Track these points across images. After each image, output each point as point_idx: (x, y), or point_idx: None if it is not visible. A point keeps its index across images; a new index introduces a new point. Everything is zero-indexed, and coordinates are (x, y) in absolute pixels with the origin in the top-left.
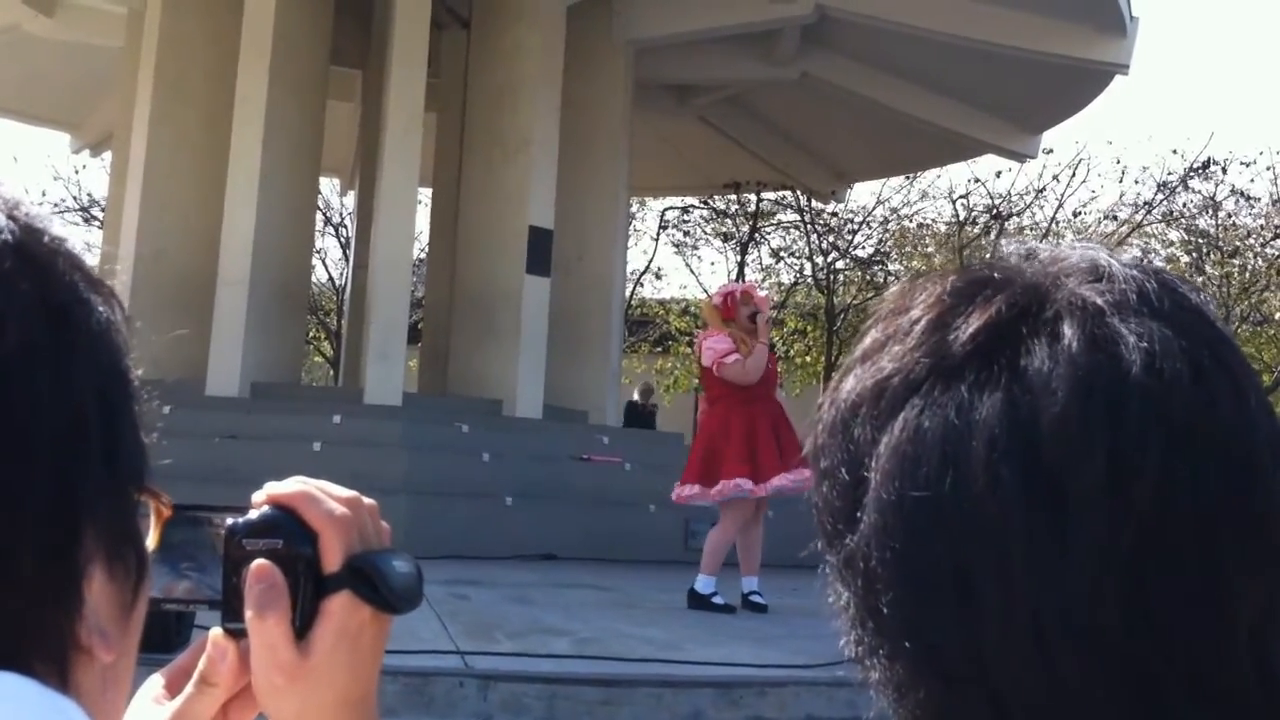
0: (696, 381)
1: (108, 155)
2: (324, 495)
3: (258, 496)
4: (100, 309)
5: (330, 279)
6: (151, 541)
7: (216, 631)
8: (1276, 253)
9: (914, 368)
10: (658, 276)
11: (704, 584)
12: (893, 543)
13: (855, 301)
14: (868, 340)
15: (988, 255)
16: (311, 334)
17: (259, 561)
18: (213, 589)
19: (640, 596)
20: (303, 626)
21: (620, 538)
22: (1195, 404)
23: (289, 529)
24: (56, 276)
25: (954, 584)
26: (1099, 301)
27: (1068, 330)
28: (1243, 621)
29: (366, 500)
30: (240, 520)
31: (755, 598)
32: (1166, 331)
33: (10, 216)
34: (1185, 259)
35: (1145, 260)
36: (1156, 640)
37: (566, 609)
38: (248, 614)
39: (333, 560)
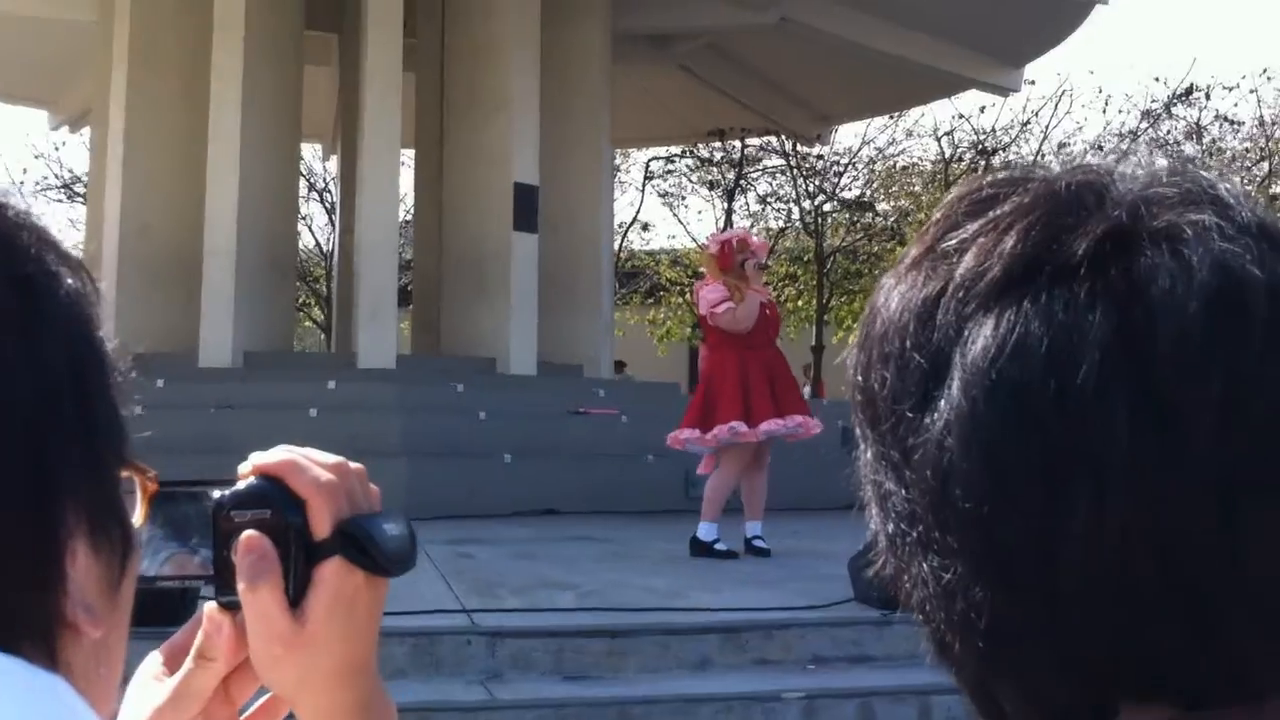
0: (688, 331)
1: (87, 131)
2: (310, 462)
3: (244, 468)
4: (69, 280)
5: (317, 245)
6: (138, 517)
7: (211, 606)
8: (1263, 175)
9: (1014, 262)
10: (643, 229)
11: (706, 531)
12: (980, 433)
13: (844, 244)
14: (937, 232)
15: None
16: (301, 301)
17: (248, 533)
18: (206, 564)
19: (642, 547)
20: (296, 595)
21: (620, 489)
22: None
23: (276, 498)
24: (21, 249)
25: (1042, 486)
26: (1216, 220)
27: (1189, 246)
28: None
29: (353, 464)
30: (227, 493)
31: (758, 542)
32: None
33: None
34: None
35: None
36: (1236, 573)
37: (569, 563)
38: (240, 586)
39: (322, 527)
